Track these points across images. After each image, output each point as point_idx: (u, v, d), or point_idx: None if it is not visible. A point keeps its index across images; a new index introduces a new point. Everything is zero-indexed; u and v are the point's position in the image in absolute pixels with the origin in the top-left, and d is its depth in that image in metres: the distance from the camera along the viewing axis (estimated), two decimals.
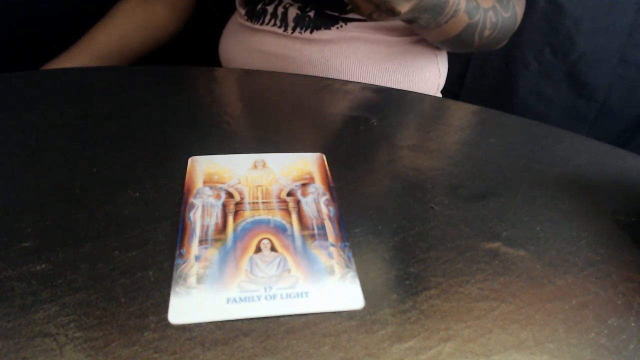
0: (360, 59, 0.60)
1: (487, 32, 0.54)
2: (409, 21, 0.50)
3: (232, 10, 0.70)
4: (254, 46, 0.63)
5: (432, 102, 0.55)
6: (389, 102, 0.52)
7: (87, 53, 0.67)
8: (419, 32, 0.59)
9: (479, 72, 0.91)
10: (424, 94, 0.57)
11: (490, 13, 0.53)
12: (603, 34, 0.82)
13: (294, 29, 0.60)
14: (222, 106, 0.50)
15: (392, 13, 0.43)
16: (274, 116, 0.49)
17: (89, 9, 0.74)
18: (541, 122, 0.50)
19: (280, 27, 0.60)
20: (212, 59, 0.72)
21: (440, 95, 0.70)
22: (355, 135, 0.46)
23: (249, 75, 0.57)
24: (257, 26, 0.62)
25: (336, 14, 0.59)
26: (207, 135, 0.44)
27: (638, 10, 0.80)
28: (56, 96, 0.49)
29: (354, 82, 0.56)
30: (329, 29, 0.59)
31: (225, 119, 0.47)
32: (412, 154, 0.44)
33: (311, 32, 0.59)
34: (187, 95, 0.51)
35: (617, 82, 0.87)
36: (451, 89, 0.87)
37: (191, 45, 0.78)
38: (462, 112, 0.52)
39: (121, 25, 0.69)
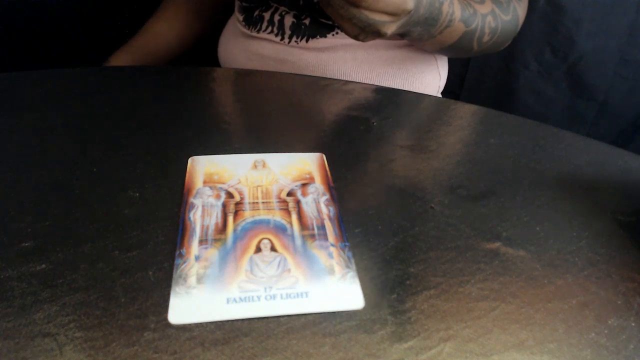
0: (359, 64, 0.60)
1: (486, 38, 0.53)
2: (400, 35, 0.49)
3: (230, 10, 0.70)
4: (252, 50, 0.63)
5: (432, 102, 0.55)
6: (389, 102, 0.52)
7: (137, 56, 0.70)
8: (414, 43, 0.59)
9: (479, 72, 0.91)
10: (424, 94, 0.57)
11: (489, 18, 0.52)
12: (603, 34, 0.82)
13: (290, 38, 0.60)
14: (222, 106, 0.50)
15: (379, 35, 0.42)
16: (274, 116, 0.49)
17: (89, 9, 0.74)
18: (541, 122, 0.50)
19: (277, 35, 0.61)
20: (212, 60, 0.72)
21: (440, 95, 0.70)
22: (355, 135, 0.46)
23: (249, 75, 0.57)
24: (255, 33, 0.62)
25: (330, 22, 0.59)
26: (207, 135, 0.44)
27: (638, 10, 0.80)
28: (56, 96, 0.49)
29: (354, 82, 0.56)
30: (325, 37, 0.59)
31: (225, 119, 0.47)
32: (412, 154, 0.44)
33: (307, 41, 0.59)
34: (187, 95, 0.51)
35: (617, 82, 0.87)
36: (451, 89, 0.88)
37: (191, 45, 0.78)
38: (462, 112, 0.52)
39: (165, 32, 0.72)
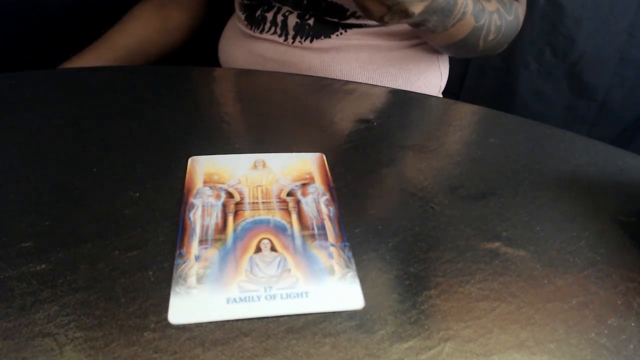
0: (362, 64, 0.60)
1: (491, 36, 0.53)
2: (416, 24, 0.49)
3: (231, 9, 0.69)
4: (254, 52, 0.63)
5: (432, 102, 0.55)
6: (389, 102, 0.52)
7: (104, 56, 0.67)
8: (425, 37, 0.59)
9: (479, 72, 0.91)
10: (424, 94, 0.57)
11: (495, 16, 0.52)
12: (603, 34, 0.82)
13: (294, 38, 0.60)
14: (222, 106, 0.50)
15: (405, 15, 0.42)
16: (274, 116, 0.49)
17: (88, 10, 0.74)
18: (541, 122, 0.50)
19: (280, 35, 0.60)
20: (212, 60, 0.72)
21: (440, 95, 0.70)
22: (355, 135, 0.46)
23: (249, 75, 0.57)
24: (257, 34, 0.62)
25: (336, 19, 0.59)
26: (207, 135, 0.44)
27: (638, 10, 0.80)
28: (56, 96, 0.49)
29: (354, 82, 0.56)
30: (329, 37, 0.59)
31: (225, 119, 0.47)
32: (412, 154, 0.44)
33: (311, 41, 0.59)
34: (187, 95, 0.51)
35: (617, 82, 0.87)
36: (451, 89, 0.87)
37: (191, 45, 0.78)
38: (462, 112, 0.52)
39: (139, 30, 0.70)
